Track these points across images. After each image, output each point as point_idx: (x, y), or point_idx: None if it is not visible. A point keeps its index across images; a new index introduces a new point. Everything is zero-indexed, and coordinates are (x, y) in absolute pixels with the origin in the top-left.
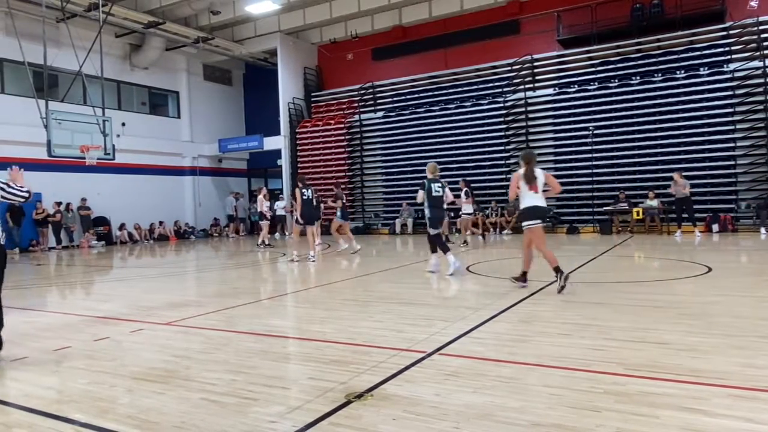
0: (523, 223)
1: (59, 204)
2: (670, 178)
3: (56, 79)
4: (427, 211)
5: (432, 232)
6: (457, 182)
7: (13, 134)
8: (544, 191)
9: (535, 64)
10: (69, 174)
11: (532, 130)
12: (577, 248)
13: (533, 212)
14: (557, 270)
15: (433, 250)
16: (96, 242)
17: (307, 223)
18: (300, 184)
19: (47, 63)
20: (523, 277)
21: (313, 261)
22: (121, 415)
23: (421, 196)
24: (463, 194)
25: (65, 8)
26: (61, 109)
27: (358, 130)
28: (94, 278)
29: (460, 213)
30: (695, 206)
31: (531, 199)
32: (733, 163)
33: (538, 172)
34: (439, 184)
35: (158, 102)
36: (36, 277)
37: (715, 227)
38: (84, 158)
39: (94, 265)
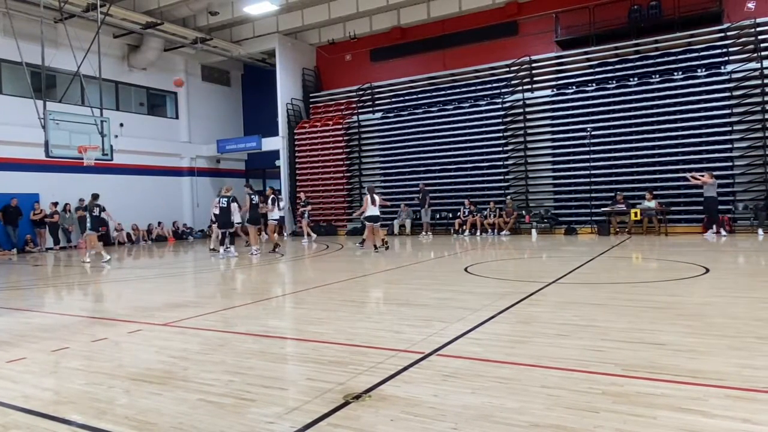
0: (367, 223)
1: (55, 204)
2: (668, 179)
3: (54, 79)
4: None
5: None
6: (457, 183)
7: (11, 135)
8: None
9: (534, 65)
10: (67, 174)
11: (530, 131)
12: (575, 249)
13: (373, 218)
14: (384, 241)
15: (222, 243)
16: None
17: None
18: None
19: (45, 63)
20: (375, 249)
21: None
22: (119, 416)
23: (215, 203)
24: (269, 201)
25: (63, 9)
26: (59, 110)
27: (357, 131)
28: (91, 279)
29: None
30: (692, 207)
31: (372, 210)
32: (730, 164)
33: (377, 197)
34: (226, 198)
35: (156, 102)
36: (34, 277)
37: (713, 228)
38: (82, 159)
39: (92, 266)
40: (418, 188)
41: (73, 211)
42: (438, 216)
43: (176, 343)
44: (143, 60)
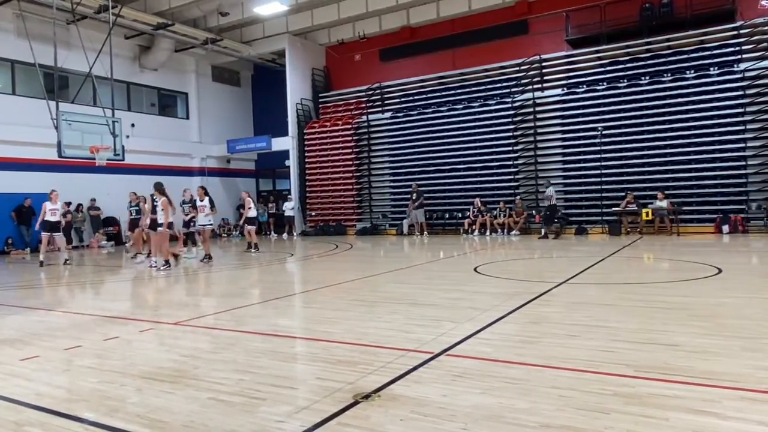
0: (248, 226)
1: (68, 204)
2: (680, 179)
3: (66, 80)
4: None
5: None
6: (466, 183)
7: (24, 135)
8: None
9: (544, 64)
10: (79, 175)
11: (540, 130)
12: (586, 249)
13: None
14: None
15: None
16: (105, 242)
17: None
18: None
19: (58, 64)
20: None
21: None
22: (131, 414)
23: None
24: (205, 202)
25: (75, 10)
26: (71, 110)
27: (366, 130)
28: (104, 278)
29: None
30: (704, 207)
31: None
32: (743, 163)
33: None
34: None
35: (167, 103)
36: (46, 276)
37: (726, 228)
38: (94, 159)
39: (104, 265)
40: (411, 188)
41: (85, 211)
42: (446, 216)
43: (187, 342)
44: (154, 61)
